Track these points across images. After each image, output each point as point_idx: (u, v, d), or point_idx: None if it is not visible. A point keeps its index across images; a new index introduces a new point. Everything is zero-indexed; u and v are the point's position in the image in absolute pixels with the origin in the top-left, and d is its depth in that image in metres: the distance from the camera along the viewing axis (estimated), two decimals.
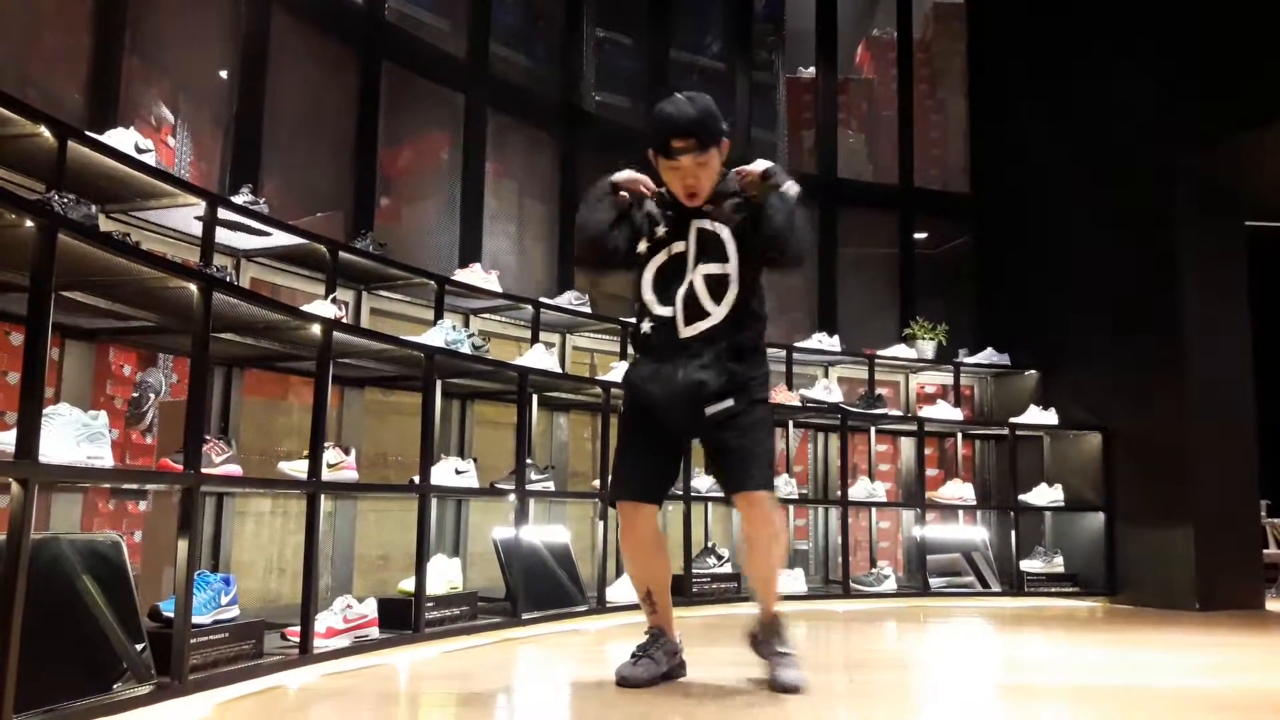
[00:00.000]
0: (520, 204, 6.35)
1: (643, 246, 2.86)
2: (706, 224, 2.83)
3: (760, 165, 2.85)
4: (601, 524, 4.73)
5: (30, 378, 2.12)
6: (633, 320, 2.94)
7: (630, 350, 3.02)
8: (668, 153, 2.74)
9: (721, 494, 3.03)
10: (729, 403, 2.75)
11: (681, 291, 2.78)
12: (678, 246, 2.83)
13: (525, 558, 4.28)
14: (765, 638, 2.88)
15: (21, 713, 2.05)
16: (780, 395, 5.98)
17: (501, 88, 6.06)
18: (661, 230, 2.84)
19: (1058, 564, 6.23)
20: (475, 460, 4.29)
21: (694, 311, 2.77)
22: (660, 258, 2.84)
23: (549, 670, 3.38)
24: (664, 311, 2.80)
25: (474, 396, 4.95)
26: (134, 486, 3.50)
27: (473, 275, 4.96)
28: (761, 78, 8.05)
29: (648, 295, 2.84)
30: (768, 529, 2.78)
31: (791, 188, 2.78)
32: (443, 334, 4.15)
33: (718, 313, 2.77)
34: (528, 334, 5.19)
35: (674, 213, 2.85)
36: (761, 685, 2.86)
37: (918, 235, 7.63)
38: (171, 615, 2.59)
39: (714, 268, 2.79)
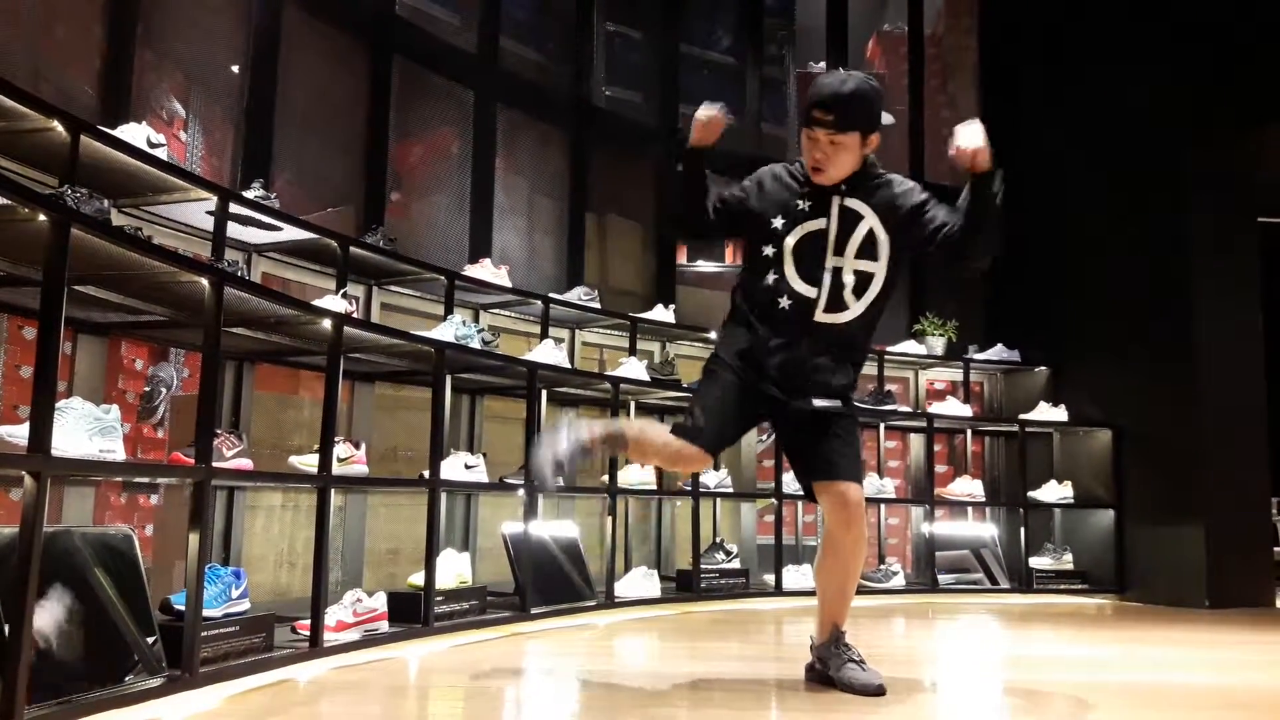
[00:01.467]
0: (530, 199, 6.35)
1: (779, 222, 2.76)
2: (850, 203, 2.76)
3: (976, 142, 2.77)
4: (610, 519, 4.74)
5: (43, 371, 2.13)
6: (750, 285, 2.84)
7: (735, 321, 2.91)
8: (807, 120, 2.70)
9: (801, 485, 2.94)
10: (838, 403, 2.77)
11: (828, 277, 2.73)
12: (817, 223, 2.75)
13: (534, 552, 4.29)
14: (833, 649, 2.81)
15: (34, 704, 2.07)
16: None
17: (512, 83, 6.06)
18: (803, 205, 2.76)
19: (1067, 561, 6.22)
20: (485, 455, 4.30)
21: (835, 301, 2.74)
22: (799, 233, 2.75)
23: (557, 664, 3.39)
24: (806, 291, 2.74)
25: (484, 391, 4.97)
26: (146, 480, 3.51)
27: (482, 270, 4.96)
28: (772, 72, 8.04)
29: (789, 270, 2.74)
30: (857, 530, 2.75)
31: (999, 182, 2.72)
32: (453, 329, 4.15)
33: (856, 308, 2.76)
34: (537, 329, 5.20)
35: (812, 187, 2.78)
36: (767, 681, 2.86)
37: None
38: (182, 608, 2.60)
39: (865, 264, 2.75)
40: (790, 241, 2.75)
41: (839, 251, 2.74)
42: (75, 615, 2.37)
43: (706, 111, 2.71)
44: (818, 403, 2.74)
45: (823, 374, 2.75)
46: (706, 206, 2.81)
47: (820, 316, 2.73)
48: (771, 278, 2.76)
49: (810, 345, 2.74)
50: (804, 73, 8.18)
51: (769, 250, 2.77)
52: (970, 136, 2.75)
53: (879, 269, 2.76)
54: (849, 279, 2.74)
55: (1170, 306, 5.90)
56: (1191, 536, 5.61)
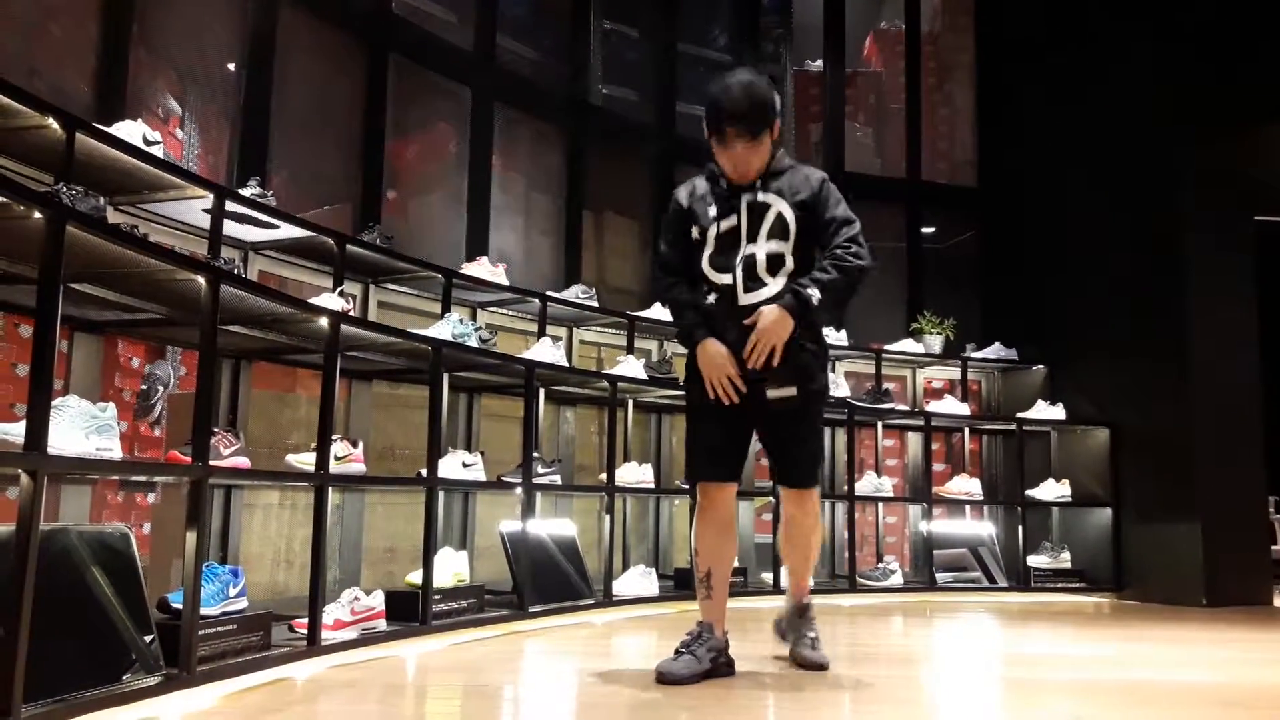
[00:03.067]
0: (527, 197, 6.34)
1: (696, 234, 2.96)
2: (757, 197, 2.91)
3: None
4: (608, 517, 4.74)
5: (39, 369, 2.12)
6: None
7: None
8: (721, 138, 2.85)
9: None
10: (791, 391, 2.86)
11: (740, 260, 2.88)
12: (728, 222, 2.92)
13: (532, 551, 4.29)
14: (793, 622, 3.12)
15: (31, 702, 2.06)
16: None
17: (508, 81, 6.05)
18: (712, 212, 2.94)
19: (1064, 559, 6.22)
20: (482, 453, 4.29)
21: (752, 280, 2.87)
22: (713, 234, 2.93)
23: (555, 663, 3.38)
24: (723, 280, 2.90)
25: (481, 390, 4.96)
26: (143, 479, 3.50)
27: (480, 268, 4.96)
28: (768, 71, 8.01)
29: (706, 269, 2.93)
30: (811, 519, 3.03)
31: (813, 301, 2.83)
32: (450, 327, 4.15)
33: (774, 284, 2.87)
34: (535, 327, 5.19)
35: (724, 190, 2.95)
36: (764, 680, 2.86)
37: (925, 229, 7.61)
38: (180, 607, 2.59)
39: (775, 245, 2.88)
40: (709, 248, 2.93)
41: (751, 239, 2.90)
42: (72, 614, 2.37)
43: (720, 376, 2.88)
44: (771, 394, 2.85)
45: (776, 377, 2.85)
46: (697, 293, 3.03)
47: (744, 299, 2.87)
48: (704, 286, 2.96)
49: (742, 331, 2.85)
50: (800, 71, 8.17)
51: (701, 264, 2.96)
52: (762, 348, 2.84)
53: (787, 247, 2.88)
54: (761, 259, 2.87)
55: (1167, 305, 5.91)
56: (1188, 535, 5.62)
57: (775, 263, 2.88)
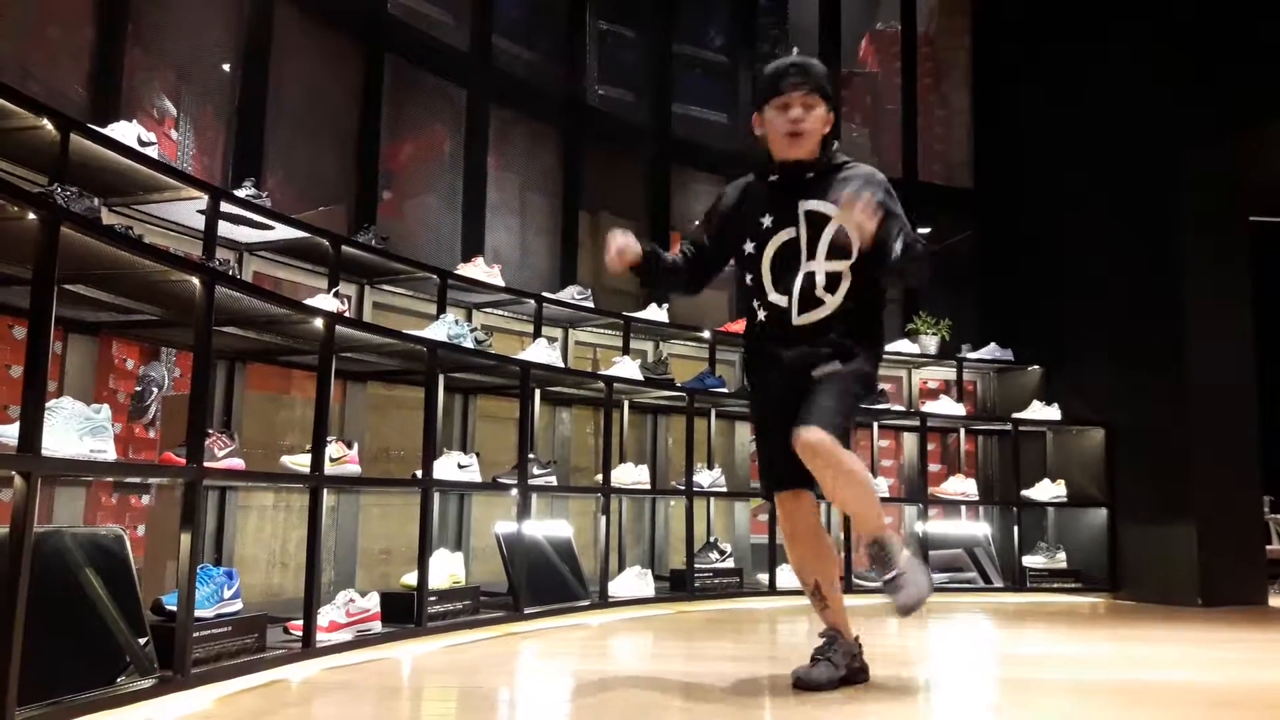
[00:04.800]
0: (522, 198, 6.34)
1: (750, 246, 2.83)
2: (815, 205, 2.76)
3: (866, 211, 2.59)
4: (604, 518, 4.73)
5: (33, 371, 2.12)
6: (746, 313, 2.94)
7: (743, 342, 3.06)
8: (777, 89, 2.73)
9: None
10: (836, 365, 2.72)
11: (799, 282, 2.76)
12: (787, 234, 2.79)
13: (527, 552, 4.28)
14: (870, 565, 2.86)
15: (25, 705, 2.05)
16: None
17: (504, 81, 6.04)
18: (768, 221, 2.81)
19: (1060, 560, 6.23)
20: (478, 455, 4.29)
21: (808, 302, 2.76)
22: (771, 249, 2.80)
23: (551, 665, 3.38)
24: (778, 300, 2.79)
25: (476, 391, 4.95)
26: (137, 480, 3.49)
27: (475, 269, 4.95)
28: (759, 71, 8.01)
29: (766, 283, 2.81)
30: (835, 468, 2.61)
31: (900, 247, 2.63)
32: (445, 328, 4.14)
33: (831, 301, 2.75)
34: (530, 328, 5.19)
35: (776, 196, 2.82)
36: (760, 681, 2.86)
37: (921, 230, 7.60)
38: (174, 609, 2.59)
39: (835, 265, 2.75)
40: (766, 261, 2.81)
41: (811, 255, 2.76)
42: (66, 616, 2.36)
43: (611, 251, 2.82)
44: (817, 373, 2.72)
45: (813, 362, 2.73)
46: (683, 275, 2.97)
47: (798, 320, 2.76)
48: (755, 301, 2.85)
49: (796, 346, 2.76)
50: None
51: (749, 277, 2.85)
52: (861, 212, 2.59)
53: (846, 265, 2.74)
54: (820, 279, 2.75)
55: (1163, 306, 5.92)
56: (1184, 535, 5.63)
57: (834, 280, 2.75)
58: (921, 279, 2.84)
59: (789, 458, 2.72)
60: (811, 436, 2.59)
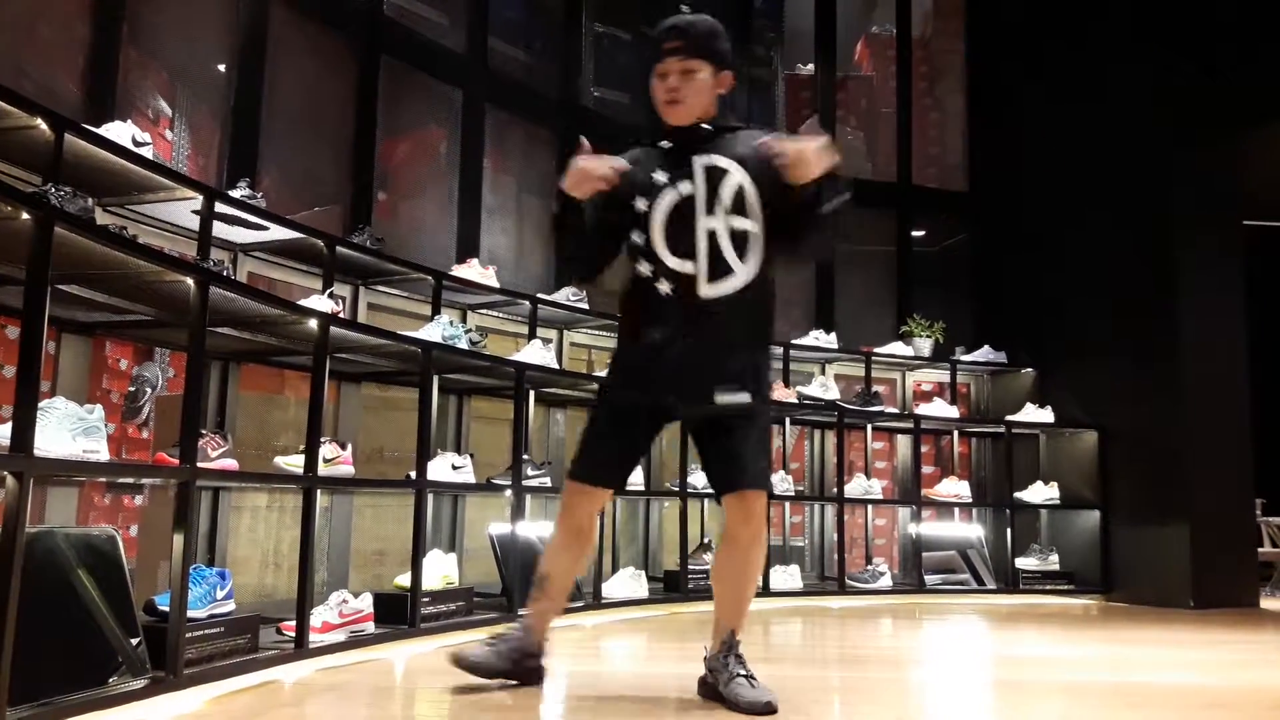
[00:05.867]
0: (518, 199, 6.34)
1: (641, 204, 2.56)
2: (712, 159, 2.55)
3: (813, 155, 2.39)
4: (597, 520, 4.73)
5: (26, 371, 2.11)
6: (630, 288, 2.64)
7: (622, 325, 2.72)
8: (657, 55, 2.56)
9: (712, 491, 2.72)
10: (744, 397, 2.52)
11: (703, 243, 2.50)
12: (683, 188, 2.54)
13: (521, 553, 4.28)
14: (722, 659, 2.55)
15: (16, 705, 2.05)
16: (777, 392, 5.98)
17: (500, 83, 6.05)
18: (662, 177, 2.57)
19: (1053, 562, 6.24)
20: (472, 455, 4.28)
21: (718, 266, 2.50)
22: (663, 205, 2.54)
23: (544, 665, 3.38)
24: (683, 266, 2.51)
25: (471, 392, 4.95)
26: (130, 481, 3.49)
27: (470, 271, 4.95)
28: (760, 74, 8.04)
29: (661, 250, 2.53)
30: (756, 528, 2.55)
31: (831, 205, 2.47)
32: (440, 329, 4.14)
33: (743, 271, 2.51)
34: (525, 329, 5.19)
35: (671, 151, 2.60)
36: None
37: (915, 233, 7.64)
38: (167, 609, 2.58)
39: (740, 221, 2.51)
40: (658, 218, 2.54)
41: (710, 211, 2.52)
42: (58, 617, 2.36)
43: (586, 163, 2.58)
44: (721, 399, 2.51)
45: (725, 363, 2.53)
46: (593, 245, 2.69)
47: (705, 290, 2.50)
48: (646, 266, 2.57)
49: (704, 331, 2.52)
50: (791, 75, 8.19)
51: (638, 238, 2.58)
52: (803, 145, 2.41)
53: (755, 225, 2.53)
54: (726, 241, 2.51)
55: (1156, 309, 5.94)
56: (1176, 537, 5.64)
57: (741, 242, 2.51)
58: (826, 248, 2.73)
59: (634, 457, 2.72)
60: (760, 503, 2.54)
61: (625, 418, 2.67)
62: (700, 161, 2.56)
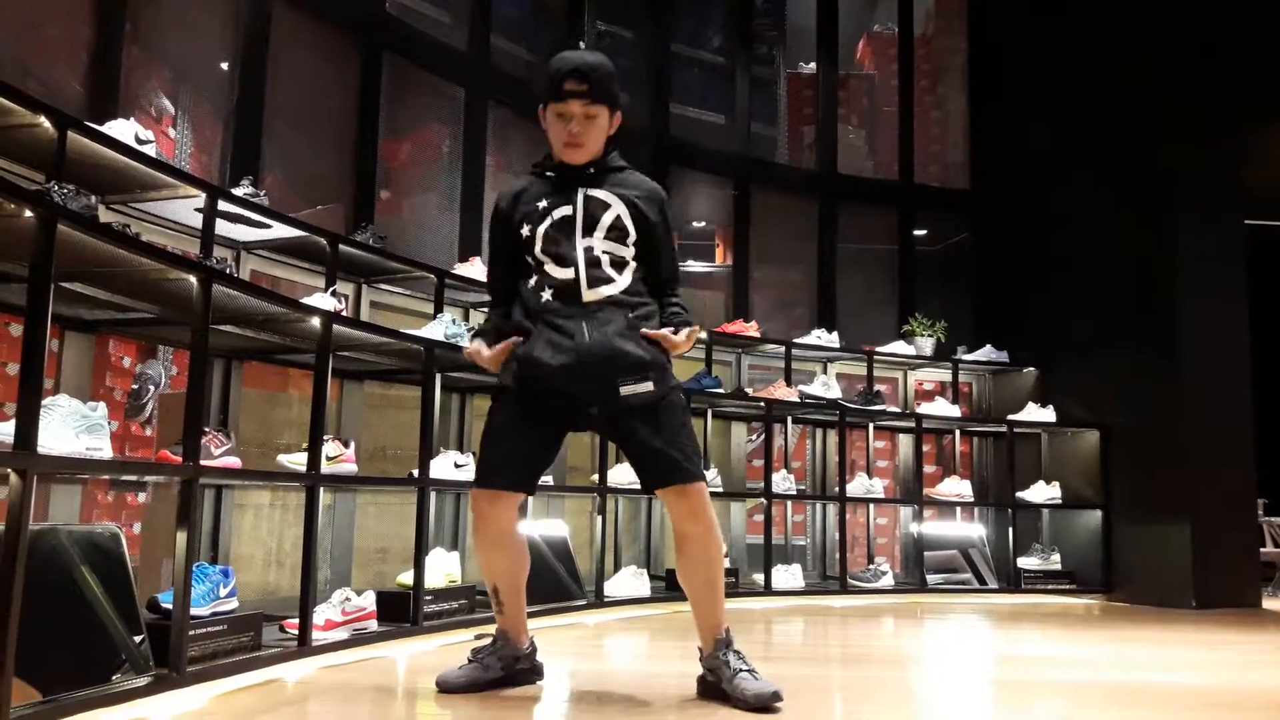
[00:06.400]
0: None
1: (526, 229, 2.63)
2: (594, 192, 2.63)
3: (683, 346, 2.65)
4: (600, 518, 4.74)
5: (29, 369, 2.11)
6: (521, 303, 2.67)
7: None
8: (558, 94, 2.57)
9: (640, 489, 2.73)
10: (648, 386, 2.55)
11: (580, 255, 2.58)
12: (563, 211, 2.61)
13: None
14: (721, 656, 2.56)
15: (19, 702, 2.05)
16: (779, 391, 5.98)
17: (502, 81, 6.05)
18: (543, 204, 2.63)
19: (1055, 561, 6.24)
20: (474, 454, 4.28)
21: (596, 277, 2.58)
22: (545, 225, 2.61)
23: (547, 664, 3.38)
24: (563, 274, 2.58)
25: (473, 390, 4.95)
26: (133, 478, 3.49)
27: (473, 269, 4.95)
28: (762, 73, 8.05)
29: (546, 263, 2.60)
30: (706, 521, 2.56)
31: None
32: (442, 327, 4.14)
33: (620, 281, 2.60)
34: None
35: (554, 182, 2.67)
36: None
37: (917, 232, 7.64)
38: (170, 607, 2.59)
39: (615, 247, 2.61)
40: (539, 237, 2.60)
41: (588, 232, 2.60)
42: (62, 614, 2.36)
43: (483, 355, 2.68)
44: (625, 389, 2.54)
45: (622, 353, 2.54)
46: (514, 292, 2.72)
47: (587, 295, 2.56)
48: (533, 279, 2.63)
49: (595, 326, 2.55)
50: (793, 73, 8.19)
51: (529, 259, 2.64)
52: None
53: (629, 253, 2.63)
54: (603, 256, 2.60)
55: (1158, 308, 5.93)
56: (1178, 537, 5.64)
57: (618, 262, 2.62)
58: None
59: (536, 458, 2.68)
60: (702, 494, 2.56)
61: (524, 418, 2.64)
62: (582, 191, 2.65)
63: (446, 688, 2.66)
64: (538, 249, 2.61)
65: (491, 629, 2.83)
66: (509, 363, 2.67)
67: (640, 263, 2.66)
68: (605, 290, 2.59)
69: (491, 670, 2.70)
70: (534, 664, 2.80)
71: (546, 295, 2.60)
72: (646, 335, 2.59)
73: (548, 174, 2.70)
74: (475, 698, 2.62)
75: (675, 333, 2.64)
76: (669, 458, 2.55)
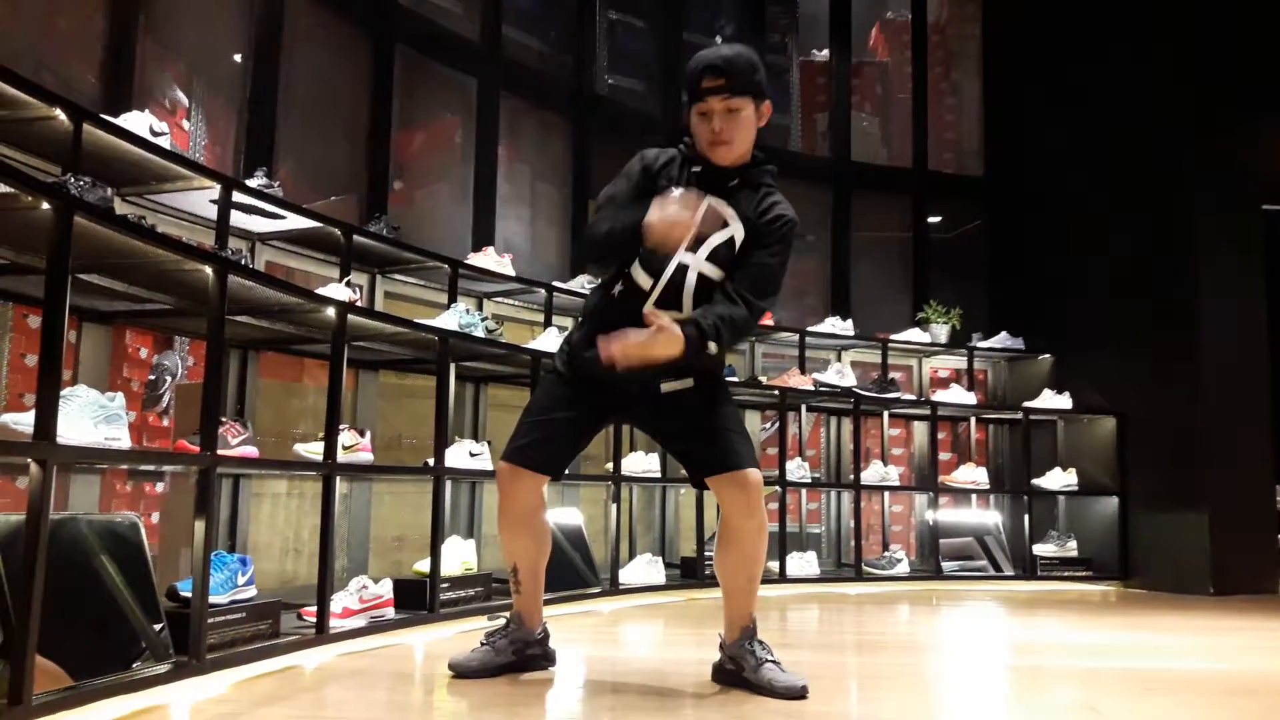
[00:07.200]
0: (533, 187, 6.35)
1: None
2: (721, 205, 2.53)
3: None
4: (615, 506, 4.75)
5: (48, 359, 2.13)
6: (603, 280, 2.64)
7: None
8: (696, 93, 2.49)
9: (690, 478, 2.69)
10: (688, 381, 2.55)
11: (670, 270, 2.51)
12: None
13: None
14: (746, 646, 2.55)
15: (42, 691, 2.08)
16: (793, 379, 5.97)
17: (514, 71, 6.05)
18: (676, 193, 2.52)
19: (1071, 548, 6.22)
20: (489, 443, 4.30)
21: (671, 299, 2.52)
22: None
23: (563, 651, 3.39)
24: (643, 281, 2.54)
25: (488, 379, 4.97)
26: (151, 468, 3.52)
27: (486, 259, 4.96)
28: (775, 61, 8.01)
29: (634, 264, 2.55)
30: (759, 516, 2.54)
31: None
32: (456, 317, 4.15)
33: (686, 310, 2.53)
34: (541, 317, 5.20)
35: (694, 179, 2.55)
36: None
37: (932, 219, 7.60)
38: (189, 595, 2.61)
39: (711, 269, 2.53)
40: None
41: (693, 247, 2.51)
42: (82, 602, 2.38)
43: (679, 214, 2.42)
44: (666, 387, 2.55)
45: (670, 370, 2.51)
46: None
47: (649, 310, 2.46)
48: (616, 273, 2.60)
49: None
50: (806, 61, 8.15)
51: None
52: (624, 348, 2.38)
53: (719, 275, 2.54)
54: (691, 279, 2.52)
55: (1175, 293, 5.89)
56: (1196, 523, 5.61)
57: (703, 288, 2.52)
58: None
59: (567, 446, 2.67)
60: (755, 486, 2.51)
61: (565, 403, 2.65)
62: (710, 201, 2.53)
63: (459, 671, 2.67)
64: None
65: (504, 613, 2.84)
66: (563, 347, 2.70)
67: (724, 282, 2.54)
68: (669, 315, 2.44)
69: (503, 654, 2.72)
70: (545, 649, 2.81)
71: (617, 289, 2.58)
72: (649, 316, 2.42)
73: (693, 169, 2.57)
74: (491, 685, 2.63)
75: (693, 334, 2.41)
76: (722, 445, 2.53)
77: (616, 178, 2.66)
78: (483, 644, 2.74)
